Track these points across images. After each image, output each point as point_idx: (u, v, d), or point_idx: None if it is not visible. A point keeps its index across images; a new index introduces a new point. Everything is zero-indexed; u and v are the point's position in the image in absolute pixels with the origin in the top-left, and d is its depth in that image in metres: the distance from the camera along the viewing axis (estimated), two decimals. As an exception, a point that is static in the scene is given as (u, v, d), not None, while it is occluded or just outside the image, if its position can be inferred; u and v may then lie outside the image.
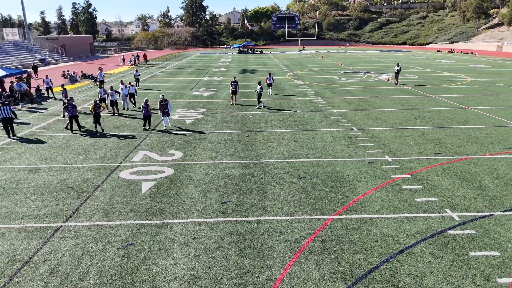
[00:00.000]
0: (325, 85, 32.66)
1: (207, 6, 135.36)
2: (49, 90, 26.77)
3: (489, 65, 48.95)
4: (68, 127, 17.90)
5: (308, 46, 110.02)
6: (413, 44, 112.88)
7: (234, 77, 24.50)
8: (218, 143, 15.94)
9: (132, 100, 23.64)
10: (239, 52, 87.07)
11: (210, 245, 8.37)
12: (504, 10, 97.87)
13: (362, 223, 9.21)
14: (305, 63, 56.71)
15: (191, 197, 10.75)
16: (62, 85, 24.26)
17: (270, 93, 27.37)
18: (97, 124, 17.72)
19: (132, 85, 23.96)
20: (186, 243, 8.45)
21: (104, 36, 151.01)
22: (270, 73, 27.64)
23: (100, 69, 32.25)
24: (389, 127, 18.08)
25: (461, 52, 77.40)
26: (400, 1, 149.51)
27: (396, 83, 32.05)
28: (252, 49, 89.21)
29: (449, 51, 79.51)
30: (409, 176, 12.06)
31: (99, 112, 17.55)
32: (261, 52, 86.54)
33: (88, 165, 13.38)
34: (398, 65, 32.28)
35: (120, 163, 13.62)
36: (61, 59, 58.36)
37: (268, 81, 26.86)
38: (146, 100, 18.08)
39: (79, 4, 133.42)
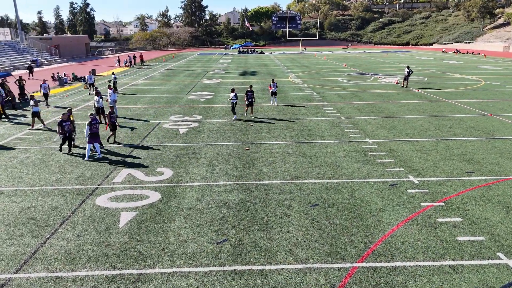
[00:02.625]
0: (330, 88, 30.63)
1: (207, 6, 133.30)
2: (46, 97, 23.90)
3: (499, 67, 46.94)
4: (64, 147, 14.88)
5: (309, 46, 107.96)
6: (416, 44, 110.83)
7: (251, 86, 20.60)
8: (214, 158, 13.91)
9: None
10: (239, 52, 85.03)
11: (200, 311, 6.35)
12: (510, 10, 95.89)
13: (395, 275, 7.18)
14: (307, 64, 54.68)
15: (178, 234, 8.72)
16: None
17: (275, 104, 23.62)
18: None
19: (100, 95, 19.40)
20: (168, 307, 6.43)
21: (102, 36, 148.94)
22: (273, 80, 23.86)
23: (91, 71, 30.24)
24: (408, 138, 16.05)
25: (467, 52, 75.35)
26: (402, 1, 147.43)
27: (406, 86, 30.01)
28: (252, 49, 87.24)
29: (454, 52, 77.46)
30: (443, 204, 10.03)
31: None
32: (262, 52, 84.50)
33: (60, 188, 11.35)
34: (408, 67, 30.23)
35: (99, 185, 11.59)
36: (54, 60, 56.31)
37: (272, 89, 23.29)
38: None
39: (76, 3, 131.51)
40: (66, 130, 14.31)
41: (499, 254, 7.79)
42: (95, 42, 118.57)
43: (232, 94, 19.49)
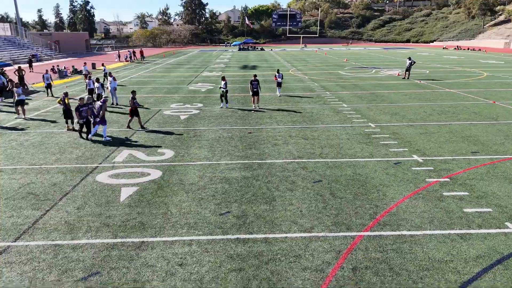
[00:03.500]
0: (331, 80, 30.47)
1: (207, 4, 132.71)
2: (49, 89, 23.17)
3: (501, 61, 46.76)
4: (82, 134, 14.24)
5: (309, 43, 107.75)
6: (417, 42, 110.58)
7: (255, 75, 19.55)
8: (216, 140, 13.77)
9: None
10: (240, 49, 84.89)
11: (203, 275, 6.21)
12: (510, 7, 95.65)
13: (402, 243, 7.04)
14: (308, 59, 54.52)
15: (180, 207, 8.58)
16: None
17: (279, 94, 23.10)
18: (69, 121, 15.27)
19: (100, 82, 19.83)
20: (170, 271, 6.29)
21: (102, 35, 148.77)
22: (278, 70, 23.36)
23: (85, 63, 30.25)
24: (411, 123, 15.90)
25: (468, 49, 75.16)
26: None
27: (408, 78, 29.84)
28: (253, 46, 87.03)
29: (455, 48, 77.28)
30: (448, 180, 9.88)
31: (69, 107, 15.01)
32: (262, 49, 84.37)
33: (60, 166, 11.21)
34: (410, 58, 30.06)
35: (99, 163, 11.44)
36: (54, 55, 56.15)
37: (277, 79, 22.68)
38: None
39: (76, 1, 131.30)
40: (84, 115, 13.75)
41: (507, 223, 7.65)
42: (95, 40, 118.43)
43: (222, 83, 19.14)
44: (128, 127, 15.59)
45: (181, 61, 54.35)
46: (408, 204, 8.58)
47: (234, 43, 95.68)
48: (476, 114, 17.38)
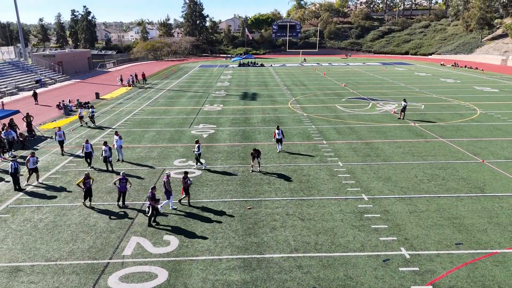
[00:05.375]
0: (328, 119, 31.40)
1: (207, 15, 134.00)
2: (61, 144, 23.10)
3: (496, 88, 47.71)
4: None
5: (309, 55, 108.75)
6: (415, 54, 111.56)
7: (255, 149, 19.83)
8: (217, 222, 14.69)
9: (88, 160, 20.59)
10: (240, 65, 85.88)
11: None
12: (508, 21, 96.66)
13: None
14: (307, 83, 55.43)
15: (186, 327, 9.49)
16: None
17: (279, 150, 23.26)
18: (89, 198, 16.22)
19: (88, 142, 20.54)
20: None
21: (104, 43, 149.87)
22: (278, 127, 23.25)
23: (91, 115, 30.65)
24: (402, 195, 16.82)
25: (465, 66, 76.12)
26: (401, 8, 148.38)
27: (403, 118, 30.84)
28: (253, 62, 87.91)
29: (453, 65, 78.26)
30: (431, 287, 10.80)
31: (90, 186, 16.07)
32: (262, 65, 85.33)
33: (74, 263, 12.13)
34: (405, 100, 31.08)
35: (110, 259, 12.36)
36: (58, 78, 57.12)
37: (277, 136, 22.78)
38: (123, 173, 16.25)
39: (78, 12, 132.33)
40: (157, 198, 14.66)
41: None
42: (97, 50, 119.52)
43: (196, 146, 20.01)
44: (180, 202, 16.44)
45: (182, 85, 55.28)
46: (392, 324, 9.49)
47: (234, 59, 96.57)
48: (465, 181, 18.29)
